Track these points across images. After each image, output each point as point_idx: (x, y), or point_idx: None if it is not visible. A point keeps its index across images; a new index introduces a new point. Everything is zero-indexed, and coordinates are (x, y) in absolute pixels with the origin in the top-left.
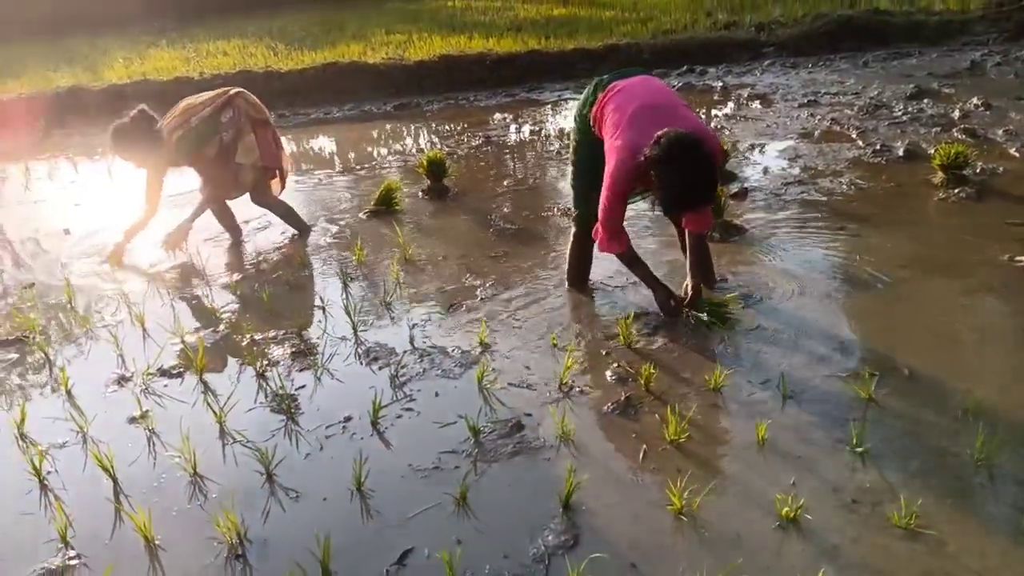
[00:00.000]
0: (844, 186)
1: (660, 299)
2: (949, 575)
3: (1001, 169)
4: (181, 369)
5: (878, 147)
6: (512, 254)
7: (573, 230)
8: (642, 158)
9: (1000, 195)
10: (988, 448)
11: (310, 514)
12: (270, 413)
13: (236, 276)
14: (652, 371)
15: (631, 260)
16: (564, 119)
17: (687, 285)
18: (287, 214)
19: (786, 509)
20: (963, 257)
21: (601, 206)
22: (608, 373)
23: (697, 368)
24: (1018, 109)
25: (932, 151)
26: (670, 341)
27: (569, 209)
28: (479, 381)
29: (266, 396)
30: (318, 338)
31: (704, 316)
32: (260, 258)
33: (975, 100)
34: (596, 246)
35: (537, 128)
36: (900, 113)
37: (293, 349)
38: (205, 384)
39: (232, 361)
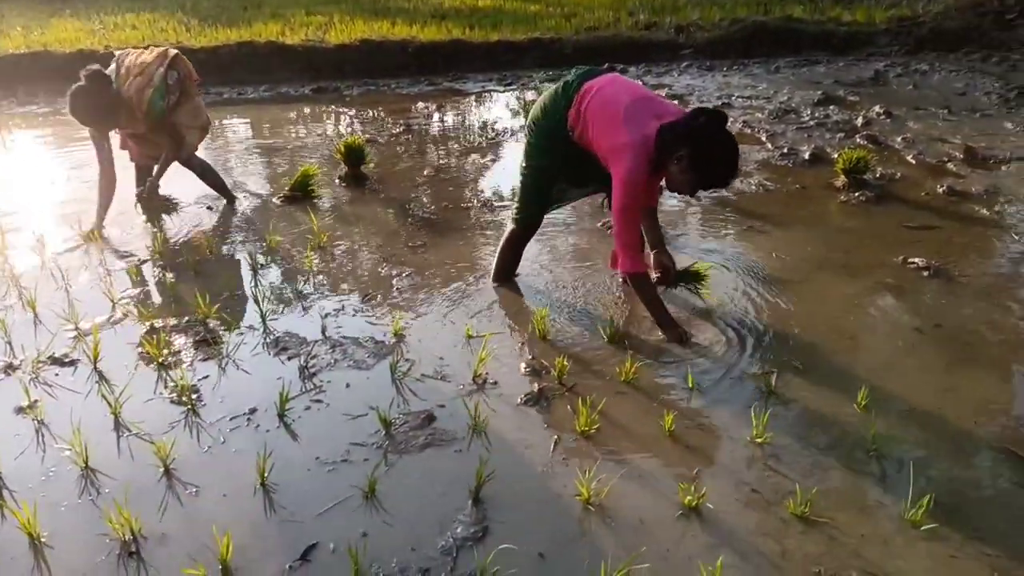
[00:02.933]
0: (753, 187)
1: (672, 337)
2: (838, 561)
3: (899, 175)
4: (74, 357)
5: (786, 150)
6: (431, 245)
7: (511, 228)
8: (652, 144)
9: (897, 199)
10: (879, 439)
11: (210, 509)
12: (170, 405)
13: (138, 259)
14: (565, 364)
15: (647, 284)
16: (488, 110)
17: (656, 256)
18: (212, 175)
19: (689, 498)
20: (861, 258)
21: (617, 222)
22: (522, 365)
23: (609, 361)
24: (916, 118)
25: (836, 156)
26: (584, 335)
27: (489, 201)
28: (392, 372)
29: (166, 387)
30: (224, 327)
31: (691, 288)
32: (166, 241)
33: (877, 108)
34: (619, 269)
35: (460, 118)
36: (807, 118)
37: (197, 338)
38: (100, 374)
39: (130, 350)
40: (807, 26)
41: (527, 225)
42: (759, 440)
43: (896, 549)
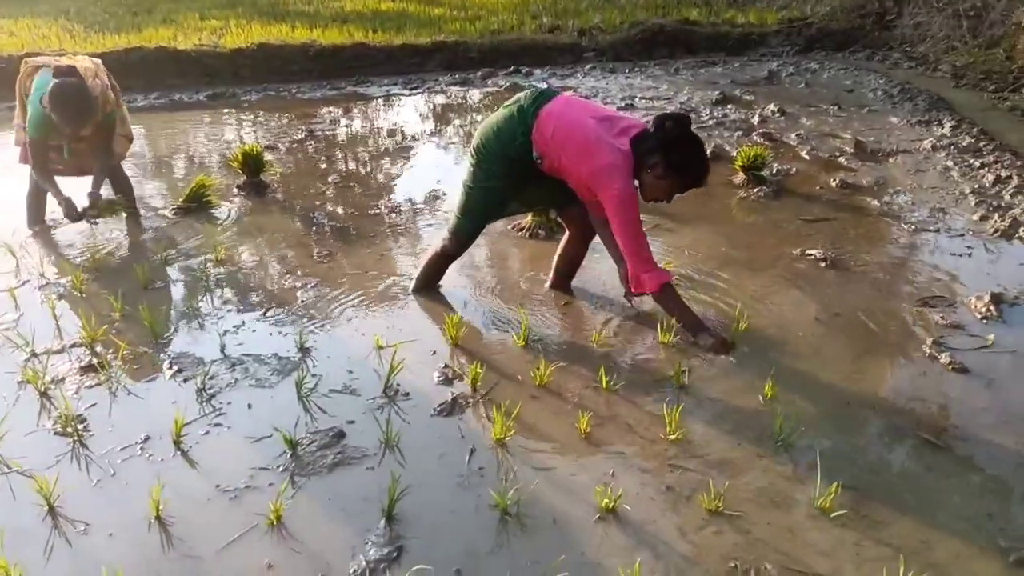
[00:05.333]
0: None
1: (707, 343)
2: (753, 553)
3: (794, 170)
4: None
5: None
6: (337, 254)
7: (443, 244)
8: (631, 157)
9: (793, 194)
10: (786, 430)
11: (101, 549)
12: (54, 437)
13: (16, 281)
14: (479, 370)
15: (674, 293)
16: (395, 115)
17: (620, 269)
18: (129, 192)
19: (606, 500)
20: (763, 252)
21: (626, 241)
22: (435, 374)
23: (523, 365)
24: (808, 115)
25: (735, 153)
26: (497, 340)
27: (398, 207)
28: (298, 389)
29: (50, 417)
30: (113, 350)
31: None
32: (47, 260)
33: (772, 106)
34: (647, 290)
35: (365, 123)
36: (707, 118)
37: (82, 363)
38: None
39: (9, 379)
40: (703, 28)
41: (464, 239)
42: (672, 437)
43: (808, 537)
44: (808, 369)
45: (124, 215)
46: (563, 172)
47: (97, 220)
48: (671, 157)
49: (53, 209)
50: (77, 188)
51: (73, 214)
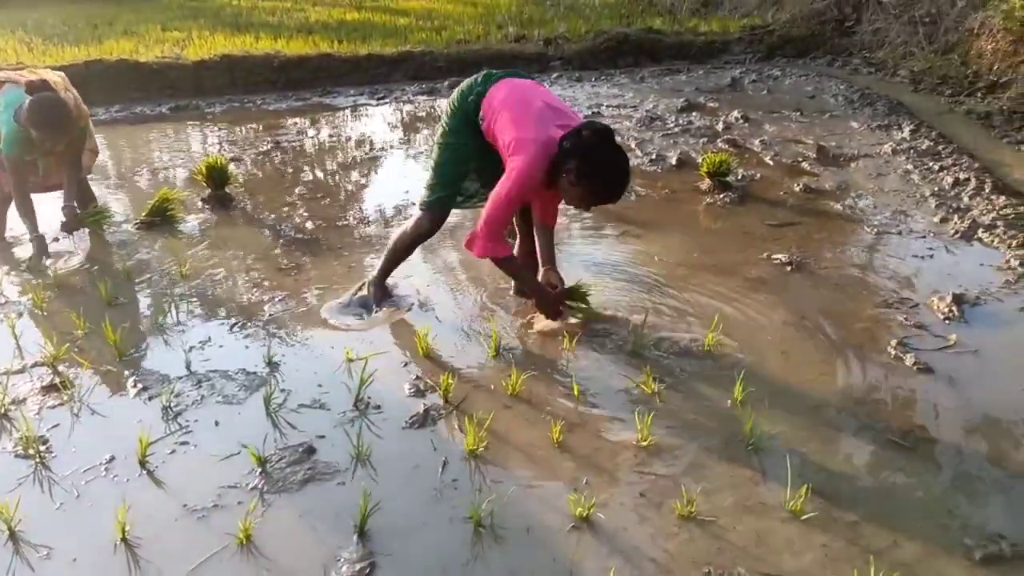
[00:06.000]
0: (626, 193)
1: (545, 305)
2: (726, 558)
3: (758, 175)
4: None
5: (654, 156)
6: (303, 267)
7: (414, 221)
8: (555, 150)
9: (758, 199)
10: (756, 433)
11: (65, 573)
12: (15, 459)
13: None
14: (451, 381)
15: (514, 264)
16: (363, 125)
17: (545, 274)
18: (94, 203)
19: (580, 509)
20: (729, 257)
21: (494, 205)
22: (406, 386)
23: (495, 375)
24: (771, 121)
25: (700, 160)
26: (469, 350)
27: (366, 218)
28: (266, 404)
29: (10, 440)
30: (76, 369)
31: (582, 305)
32: (6, 277)
33: (736, 113)
34: (473, 251)
35: (332, 134)
36: (672, 125)
37: (44, 383)
38: None
39: None
40: (667, 37)
41: (437, 207)
42: (644, 443)
43: (780, 540)
44: (776, 373)
45: (87, 229)
46: (495, 138)
47: (72, 232)
48: (584, 166)
49: (12, 226)
50: (44, 205)
51: (42, 259)
